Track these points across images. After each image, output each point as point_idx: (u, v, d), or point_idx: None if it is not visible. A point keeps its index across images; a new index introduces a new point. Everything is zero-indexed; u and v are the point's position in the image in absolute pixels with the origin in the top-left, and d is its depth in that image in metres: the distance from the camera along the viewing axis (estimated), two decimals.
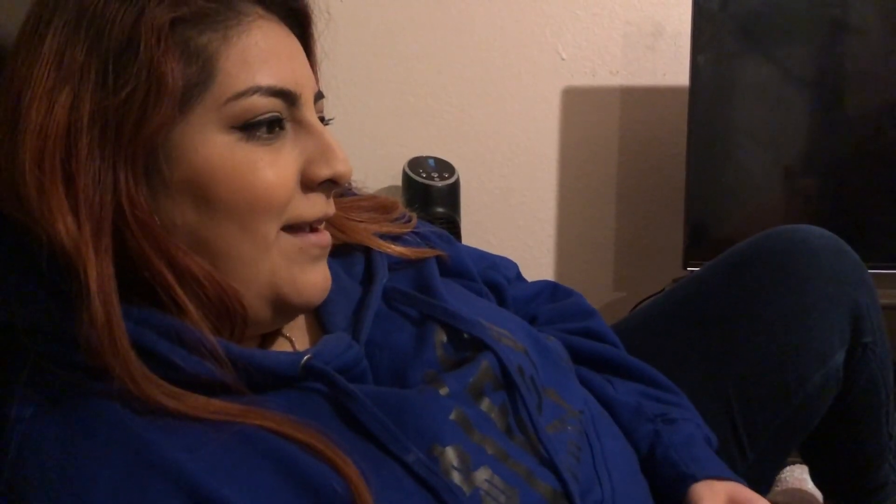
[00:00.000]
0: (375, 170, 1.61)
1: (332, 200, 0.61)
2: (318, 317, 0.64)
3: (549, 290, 0.87)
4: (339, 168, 0.58)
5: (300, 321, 0.65)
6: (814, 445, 0.95)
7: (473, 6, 1.60)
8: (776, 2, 1.41)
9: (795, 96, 1.44)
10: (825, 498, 1.10)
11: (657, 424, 0.75)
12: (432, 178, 1.49)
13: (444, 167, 1.53)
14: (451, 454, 0.56)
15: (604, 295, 1.70)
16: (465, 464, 0.56)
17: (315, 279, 0.60)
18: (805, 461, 1.05)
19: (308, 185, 0.58)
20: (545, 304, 0.86)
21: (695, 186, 1.44)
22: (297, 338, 0.64)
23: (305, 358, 0.56)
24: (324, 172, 0.58)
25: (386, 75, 1.62)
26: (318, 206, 0.59)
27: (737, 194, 1.47)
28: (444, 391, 0.59)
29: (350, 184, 0.70)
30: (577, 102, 1.63)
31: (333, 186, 0.59)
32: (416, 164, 1.52)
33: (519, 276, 0.88)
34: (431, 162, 1.53)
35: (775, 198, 1.49)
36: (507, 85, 1.62)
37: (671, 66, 1.59)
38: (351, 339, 0.61)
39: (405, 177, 1.51)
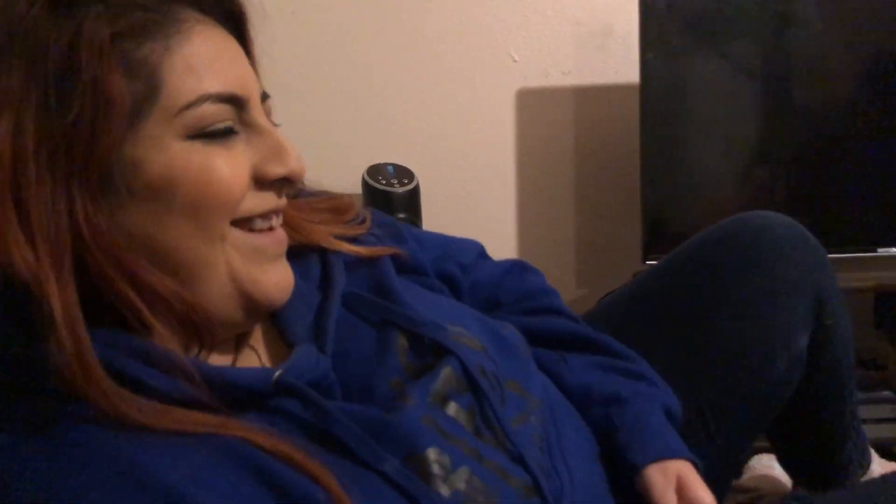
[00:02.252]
0: (334, 179, 1.57)
1: (284, 198, 0.61)
2: (278, 325, 0.64)
3: (517, 271, 0.87)
4: (292, 165, 0.58)
5: (257, 331, 0.65)
6: (779, 427, 0.96)
7: (424, 13, 1.60)
8: None
9: (744, 90, 1.47)
10: (793, 480, 1.12)
11: (609, 408, 0.74)
12: (392, 185, 1.48)
13: (404, 173, 1.53)
14: (428, 460, 0.56)
15: (566, 293, 1.71)
16: (443, 468, 0.56)
17: (277, 278, 0.60)
18: (770, 443, 1.06)
19: (261, 182, 0.58)
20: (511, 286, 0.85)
21: (650, 182, 1.45)
22: (258, 348, 0.64)
23: (277, 373, 0.56)
24: (277, 170, 0.58)
25: (341, 84, 1.61)
26: (268, 201, 0.59)
27: (692, 187, 1.49)
28: (410, 402, 0.59)
29: (304, 184, 0.70)
30: (532, 103, 1.65)
31: (287, 184, 0.60)
32: (375, 171, 1.51)
33: (482, 255, 0.87)
34: (390, 169, 1.53)
35: (730, 190, 1.51)
36: (462, 89, 1.63)
37: (622, 65, 1.60)
38: (318, 351, 0.61)
39: (365, 184, 1.50)
